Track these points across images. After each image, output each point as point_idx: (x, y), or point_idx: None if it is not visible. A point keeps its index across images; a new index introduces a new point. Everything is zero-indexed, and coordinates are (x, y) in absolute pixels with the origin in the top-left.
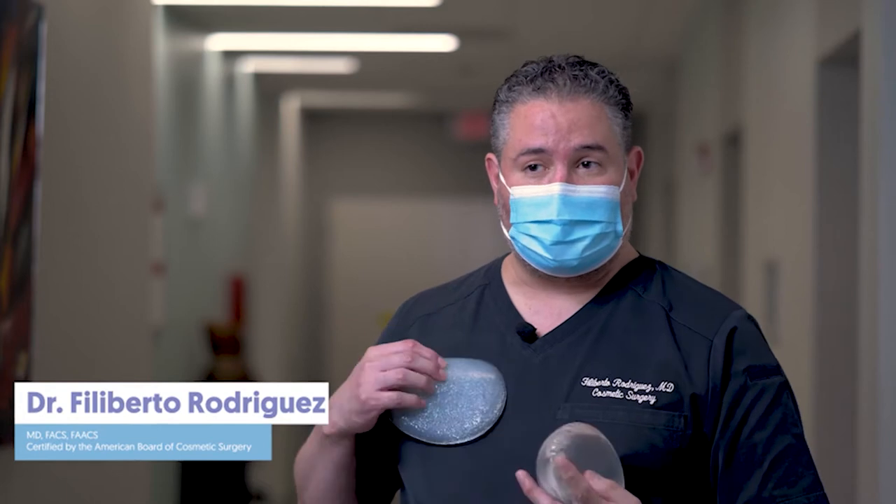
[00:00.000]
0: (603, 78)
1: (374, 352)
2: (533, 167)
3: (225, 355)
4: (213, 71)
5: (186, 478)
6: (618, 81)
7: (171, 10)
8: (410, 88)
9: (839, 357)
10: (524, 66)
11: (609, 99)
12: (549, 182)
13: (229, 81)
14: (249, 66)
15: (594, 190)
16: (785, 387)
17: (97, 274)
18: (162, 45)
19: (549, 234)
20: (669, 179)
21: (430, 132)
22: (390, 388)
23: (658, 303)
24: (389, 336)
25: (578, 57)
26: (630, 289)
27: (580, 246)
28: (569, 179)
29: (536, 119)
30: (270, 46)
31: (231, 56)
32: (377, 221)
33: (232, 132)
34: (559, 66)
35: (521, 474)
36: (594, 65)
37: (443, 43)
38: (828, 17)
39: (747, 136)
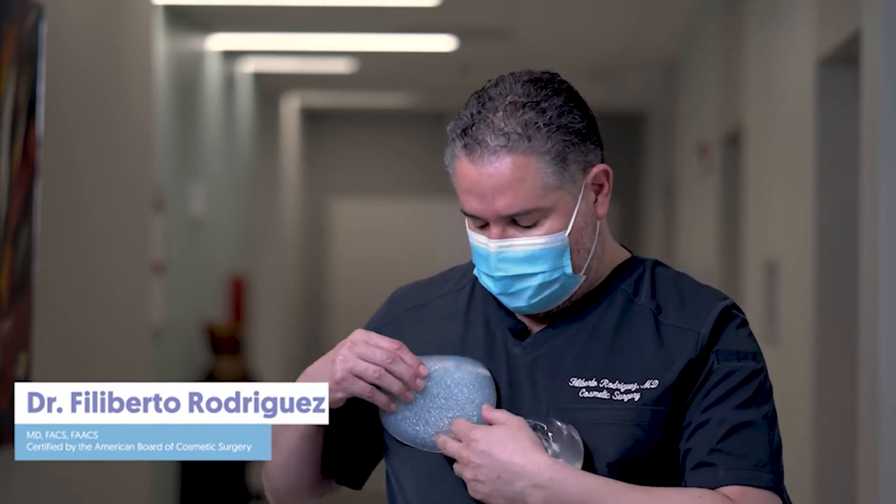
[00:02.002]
0: (527, 127)
1: (359, 335)
2: (477, 223)
3: (225, 355)
4: (213, 71)
5: (186, 478)
6: (554, 121)
7: (171, 10)
8: (410, 88)
9: (839, 357)
10: (466, 104)
11: (538, 149)
12: (489, 238)
13: (229, 81)
14: (249, 66)
15: (532, 243)
16: (757, 374)
17: (97, 274)
18: (162, 45)
19: (493, 285)
20: (669, 179)
21: (430, 132)
22: (365, 381)
23: (647, 306)
24: (377, 324)
25: (528, 82)
26: (621, 291)
27: (525, 295)
28: (504, 234)
29: (466, 182)
30: (270, 46)
31: (231, 56)
32: (377, 221)
33: (232, 132)
34: (488, 117)
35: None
36: (528, 106)
37: (443, 43)
38: (828, 17)
39: (747, 136)
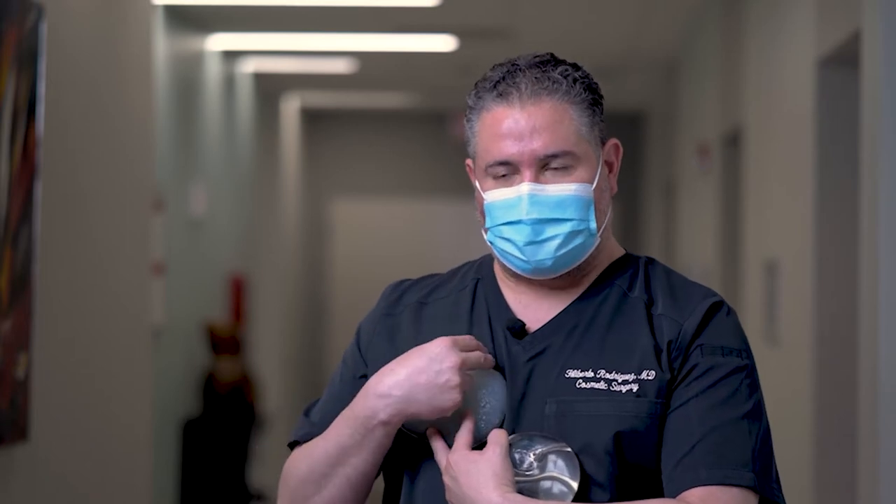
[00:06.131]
0: (566, 77)
1: (455, 355)
2: (503, 174)
3: (225, 355)
4: (213, 71)
5: (186, 478)
6: (584, 78)
7: (171, 10)
8: (410, 88)
9: (839, 357)
10: (491, 69)
11: (573, 98)
12: (518, 184)
13: (229, 81)
14: (249, 66)
15: (563, 188)
16: (741, 370)
17: (97, 274)
18: (162, 45)
19: (521, 234)
20: (669, 179)
21: (430, 132)
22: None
23: (640, 298)
24: (374, 320)
25: (547, 55)
26: (616, 286)
27: (552, 245)
28: (537, 180)
29: (501, 127)
30: (270, 46)
31: (231, 56)
32: (377, 221)
33: (232, 132)
34: (522, 69)
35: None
36: (560, 63)
37: (443, 43)
38: (828, 17)
39: (747, 136)
